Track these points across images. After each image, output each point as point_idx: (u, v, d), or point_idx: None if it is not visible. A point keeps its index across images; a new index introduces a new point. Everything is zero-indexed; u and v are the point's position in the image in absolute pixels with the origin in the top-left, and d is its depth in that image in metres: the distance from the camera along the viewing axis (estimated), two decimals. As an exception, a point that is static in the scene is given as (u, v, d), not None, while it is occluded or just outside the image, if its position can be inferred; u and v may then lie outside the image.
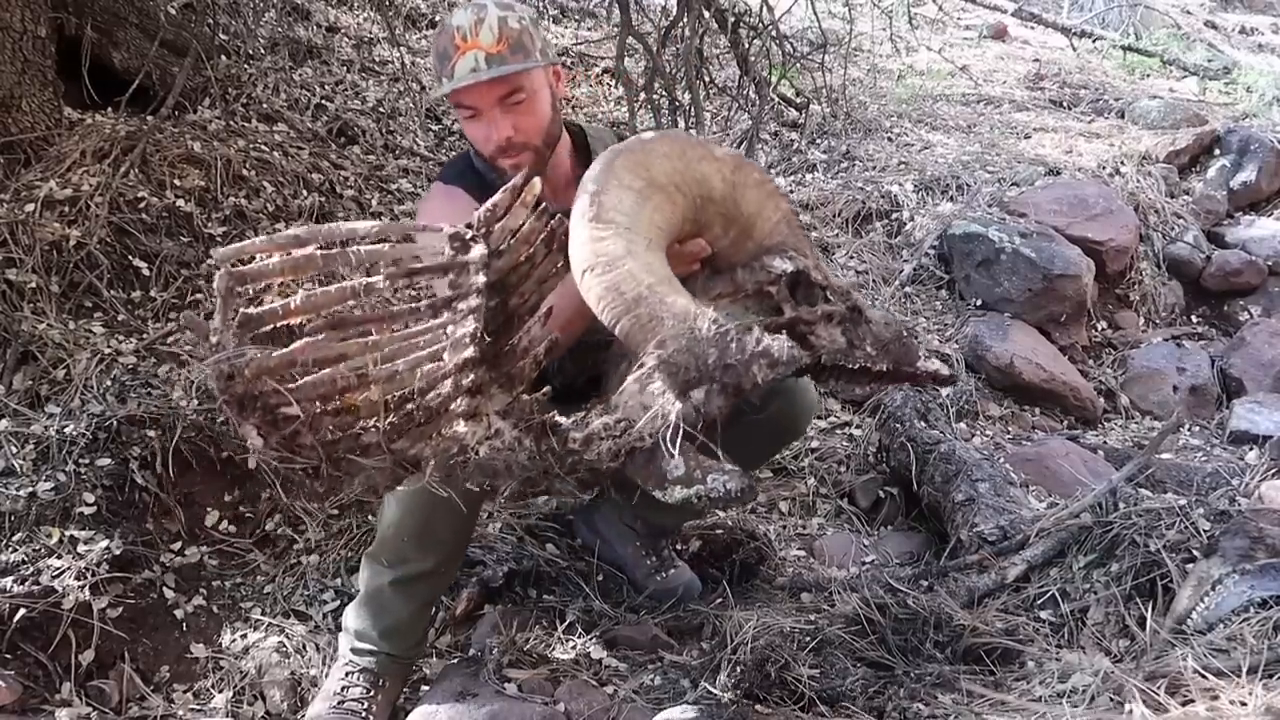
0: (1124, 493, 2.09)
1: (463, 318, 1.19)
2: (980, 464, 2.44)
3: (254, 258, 1.14)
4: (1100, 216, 3.81)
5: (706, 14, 3.90)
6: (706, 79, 4.26)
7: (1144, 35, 7.00)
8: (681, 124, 3.83)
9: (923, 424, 2.69)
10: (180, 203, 2.79)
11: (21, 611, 1.80)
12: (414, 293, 1.22)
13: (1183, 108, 5.10)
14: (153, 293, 2.60)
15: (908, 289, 3.58)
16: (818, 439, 2.86)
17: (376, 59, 4.38)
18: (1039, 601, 1.90)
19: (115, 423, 2.12)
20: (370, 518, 2.24)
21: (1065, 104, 5.45)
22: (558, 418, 1.27)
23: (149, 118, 3.10)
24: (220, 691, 1.88)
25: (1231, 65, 6.29)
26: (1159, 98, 5.40)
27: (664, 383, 1.22)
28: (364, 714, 1.75)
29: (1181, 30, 7.07)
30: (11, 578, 1.84)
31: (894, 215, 3.97)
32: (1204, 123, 4.87)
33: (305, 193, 3.11)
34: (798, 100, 4.87)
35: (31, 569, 1.87)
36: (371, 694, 1.77)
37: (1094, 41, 6.68)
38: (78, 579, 1.88)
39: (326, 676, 1.86)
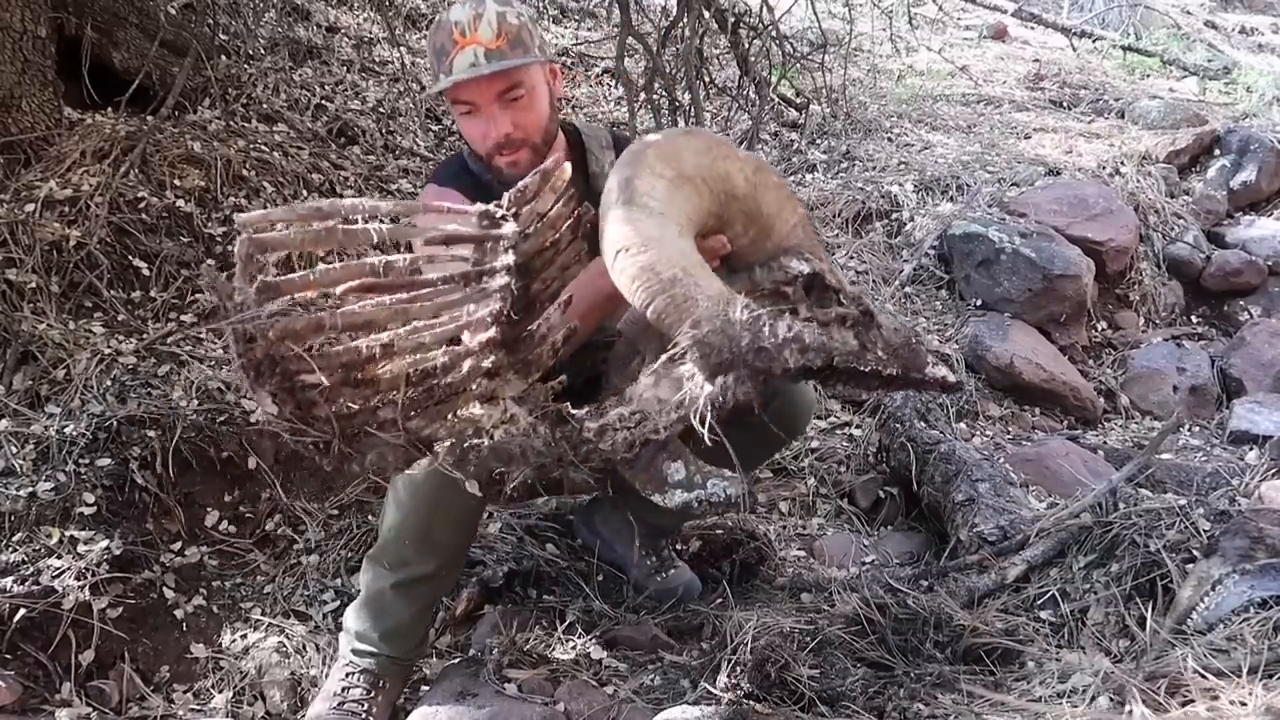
0: (1124, 493, 2.09)
1: (489, 295, 1.17)
2: (980, 464, 2.44)
3: (276, 226, 1.12)
4: (1100, 216, 3.81)
5: (706, 14, 3.90)
6: (706, 79, 4.26)
7: (1144, 35, 7.00)
8: (682, 124, 3.82)
9: (923, 424, 2.69)
10: (180, 203, 2.79)
11: (21, 611, 1.80)
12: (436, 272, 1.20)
13: (1183, 108, 5.10)
14: (153, 293, 2.60)
15: (908, 289, 3.58)
16: (818, 439, 2.86)
17: (376, 59, 4.38)
18: (1039, 601, 1.90)
19: (115, 423, 2.12)
20: (370, 518, 2.24)
21: (1065, 104, 5.45)
22: (570, 409, 1.27)
23: (149, 118, 3.10)
24: (220, 691, 1.88)
25: (1231, 65, 6.30)
26: (1159, 98, 5.40)
27: (695, 364, 1.21)
28: (364, 714, 1.75)
29: (1181, 30, 7.07)
30: (11, 578, 1.84)
31: (894, 215, 3.97)
32: (1204, 123, 4.87)
33: (305, 193, 3.11)
34: (798, 100, 4.87)
35: (31, 569, 1.87)
36: (372, 695, 1.77)
37: (1094, 41, 6.68)
38: (78, 579, 1.88)
39: (326, 676, 1.86)
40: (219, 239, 2.80)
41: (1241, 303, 4.11)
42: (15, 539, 1.92)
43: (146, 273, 2.63)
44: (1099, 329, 3.78)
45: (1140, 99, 5.35)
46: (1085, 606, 1.83)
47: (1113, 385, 3.48)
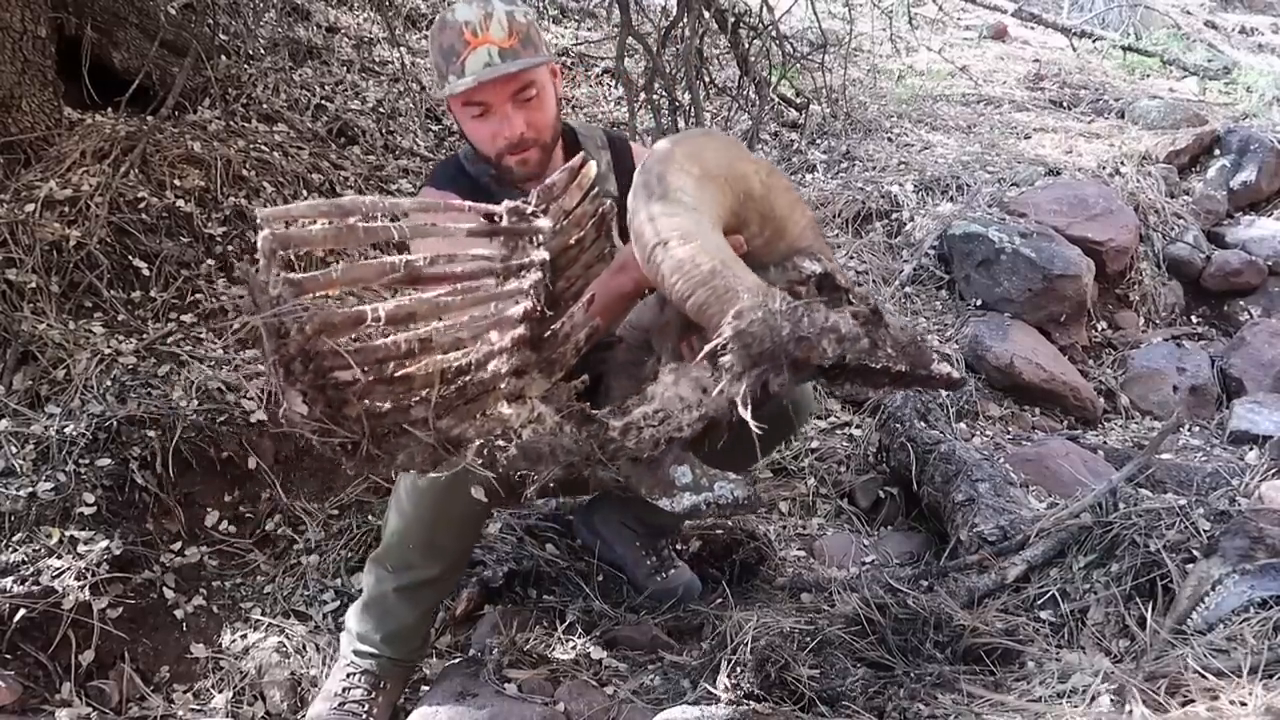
0: (1124, 493, 2.09)
1: (522, 292, 1.17)
2: (980, 464, 2.44)
3: (298, 222, 1.10)
4: (1100, 216, 3.81)
5: (706, 14, 3.90)
6: (706, 79, 4.27)
7: (1144, 35, 7.00)
8: (682, 124, 3.83)
9: (923, 424, 2.69)
10: (180, 203, 2.79)
11: (21, 611, 1.80)
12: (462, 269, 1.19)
13: (1183, 108, 5.10)
14: (153, 293, 2.60)
15: (908, 289, 3.58)
16: (818, 439, 2.86)
17: (376, 59, 4.38)
18: (1039, 601, 1.90)
19: (115, 423, 2.12)
20: (370, 518, 2.24)
21: (1065, 104, 5.45)
22: (591, 410, 1.28)
23: (149, 118, 3.10)
24: (220, 691, 1.88)
25: (1231, 65, 6.30)
26: (1159, 98, 5.40)
27: (736, 355, 1.22)
28: (364, 715, 1.75)
29: (1181, 30, 7.07)
30: (11, 578, 1.84)
31: (894, 215, 3.97)
32: (1204, 123, 4.87)
33: (305, 193, 3.11)
34: (798, 100, 4.87)
35: (31, 569, 1.87)
36: (373, 695, 1.77)
37: (1094, 41, 6.68)
38: (78, 579, 1.88)
39: (327, 676, 1.86)
40: (219, 239, 2.80)
41: (1241, 303, 4.11)
42: (15, 539, 1.93)
43: (146, 273, 2.63)
44: (1099, 329, 3.78)
45: (1140, 99, 5.35)
46: (1085, 606, 1.83)
47: (1113, 385, 3.48)
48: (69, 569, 1.89)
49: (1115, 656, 1.65)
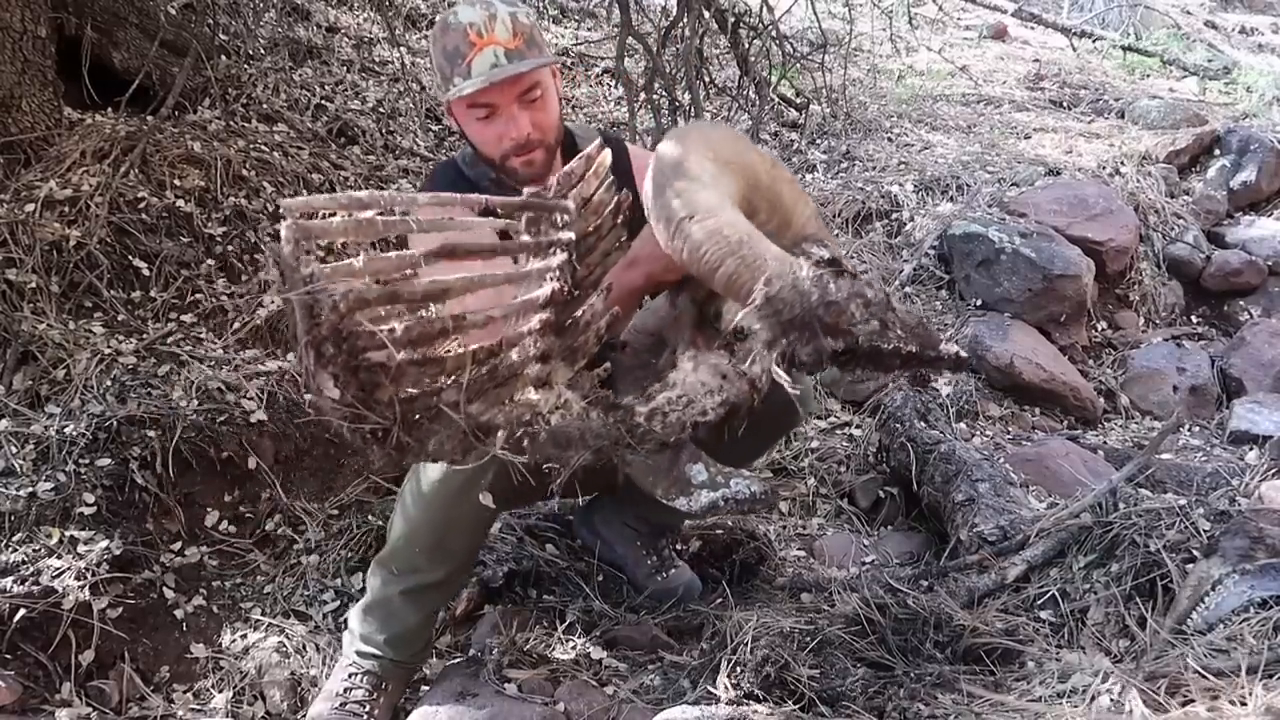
0: (1124, 493, 2.09)
1: (549, 271, 1.17)
2: (980, 464, 2.44)
3: (319, 214, 1.09)
4: (1100, 216, 3.81)
5: (706, 14, 3.90)
6: (706, 79, 4.27)
7: (1144, 35, 7.00)
8: (682, 124, 3.83)
9: (923, 424, 2.69)
10: (180, 203, 2.79)
11: (21, 611, 1.80)
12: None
13: (1183, 108, 5.10)
14: (153, 293, 2.60)
15: (908, 289, 3.58)
16: (818, 439, 2.86)
17: (376, 59, 4.38)
18: (1039, 601, 1.90)
19: (115, 423, 2.12)
20: (370, 518, 2.24)
21: (1065, 104, 5.46)
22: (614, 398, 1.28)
23: (149, 118, 3.10)
24: (220, 691, 1.88)
25: (1231, 65, 6.30)
26: (1159, 98, 5.40)
27: (766, 322, 1.23)
28: (365, 716, 1.75)
29: (1181, 30, 7.07)
30: (11, 578, 1.84)
31: (894, 215, 3.97)
32: (1204, 123, 4.87)
33: (305, 193, 3.11)
34: (798, 100, 4.87)
35: (31, 569, 1.87)
36: (374, 696, 1.77)
37: (1094, 41, 6.68)
38: (78, 579, 1.88)
39: (328, 676, 1.86)
40: (219, 239, 2.80)
41: (1241, 303, 4.11)
42: (15, 539, 1.92)
43: (146, 273, 2.63)
44: (1099, 329, 3.78)
45: (1140, 99, 5.35)
46: (1085, 606, 1.83)
47: (1113, 385, 3.48)
48: (69, 569, 1.89)
49: (1115, 656, 1.65)
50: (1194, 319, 4.10)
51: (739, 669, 1.71)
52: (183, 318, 2.57)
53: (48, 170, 2.69)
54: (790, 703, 1.63)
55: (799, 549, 2.43)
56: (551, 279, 1.18)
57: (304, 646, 1.96)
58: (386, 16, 3.97)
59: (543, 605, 2.06)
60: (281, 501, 2.28)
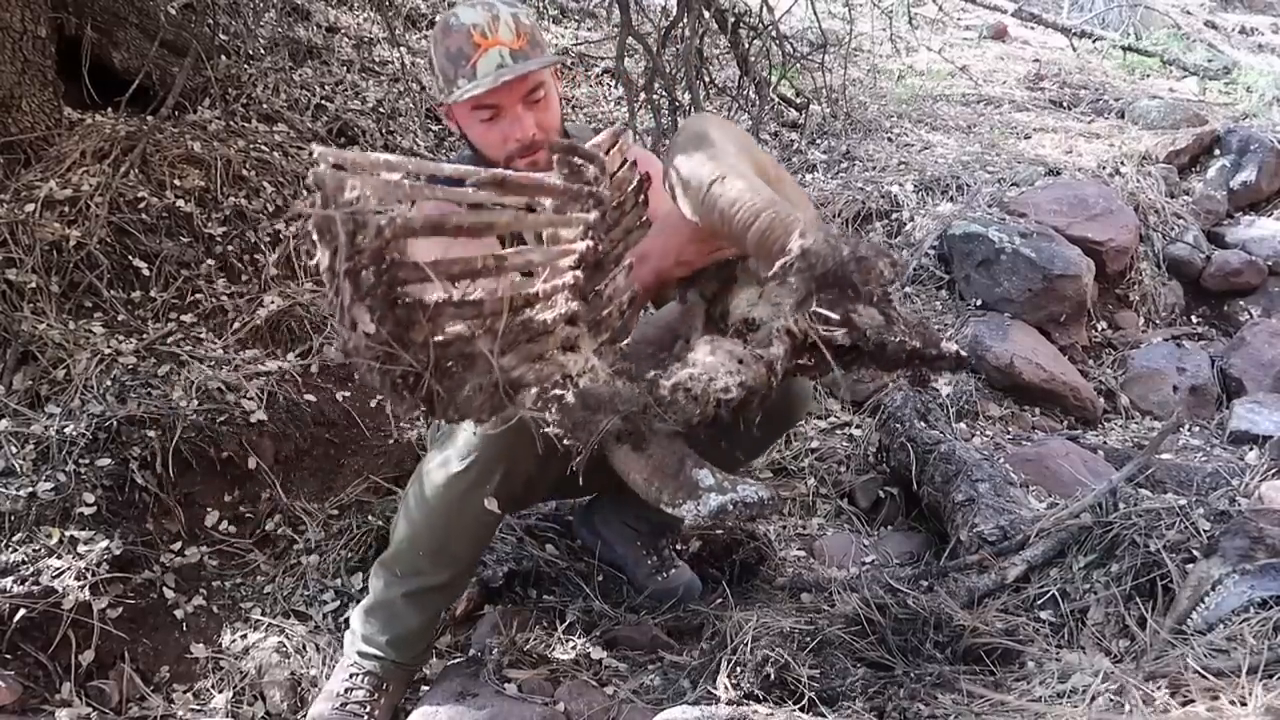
0: (1124, 493, 2.09)
1: (584, 225, 1.17)
2: (980, 464, 2.44)
3: (348, 168, 1.05)
4: (1100, 216, 3.81)
5: (706, 14, 3.90)
6: (706, 79, 4.27)
7: (1144, 35, 7.00)
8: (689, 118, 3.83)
9: (923, 424, 2.69)
10: (180, 203, 2.79)
11: (21, 611, 1.80)
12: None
13: (1183, 108, 5.10)
14: (153, 293, 2.60)
15: (908, 289, 3.58)
16: (818, 439, 2.86)
17: (376, 59, 4.38)
18: (1039, 601, 1.90)
19: (115, 423, 2.12)
20: (370, 518, 2.24)
21: (1065, 104, 5.45)
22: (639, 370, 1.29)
23: (149, 118, 3.10)
24: (220, 691, 1.88)
25: (1231, 65, 6.30)
26: (1159, 98, 5.40)
27: (800, 276, 1.24)
28: (366, 716, 1.75)
29: (1181, 30, 7.07)
30: (11, 578, 1.84)
31: (894, 215, 3.97)
32: (1204, 123, 4.87)
33: (305, 193, 3.10)
34: (798, 100, 4.87)
35: (31, 569, 1.87)
36: (375, 697, 1.77)
37: (1094, 41, 6.68)
38: (78, 579, 1.88)
39: (328, 676, 1.86)
40: (219, 239, 2.80)
41: (1241, 303, 4.10)
42: (15, 539, 1.93)
43: (146, 273, 2.63)
44: (1099, 329, 3.78)
45: (1140, 99, 5.35)
46: (1085, 606, 1.83)
47: (1113, 385, 3.48)
48: (69, 569, 1.89)
49: (1115, 656, 1.65)
50: (1194, 319, 4.10)
51: (739, 669, 1.71)
52: (183, 318, 2.57)
53: (48, 170, 2.69)
54: (790, 703, 1.63)
55: (799, 549, 2.43)
56: (584, 236, 1.18)
57: (304, 647, 1.96)
58: (386, 16, 3.97)
59: (543, 605, 2.06)
60: (281, 501, 2.28)
